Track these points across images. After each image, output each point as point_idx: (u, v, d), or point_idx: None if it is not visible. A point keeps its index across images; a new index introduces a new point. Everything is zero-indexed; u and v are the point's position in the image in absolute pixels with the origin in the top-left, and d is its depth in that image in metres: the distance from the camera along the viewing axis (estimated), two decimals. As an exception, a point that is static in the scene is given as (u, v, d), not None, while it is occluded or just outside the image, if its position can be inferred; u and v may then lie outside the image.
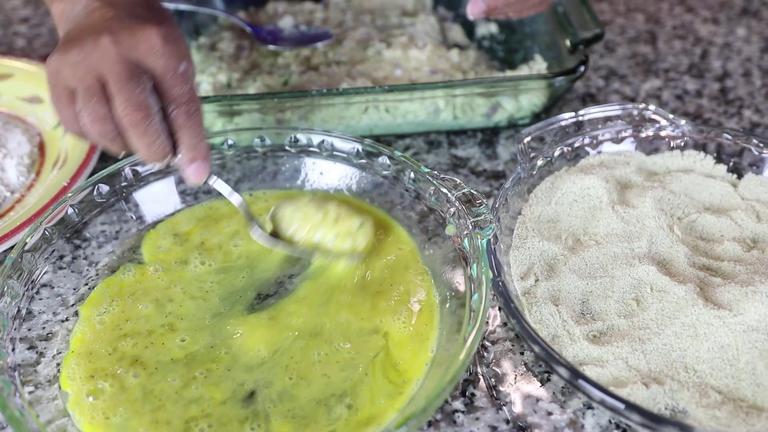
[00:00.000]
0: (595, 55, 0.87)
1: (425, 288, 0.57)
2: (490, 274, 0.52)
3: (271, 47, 0.79)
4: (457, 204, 0.57)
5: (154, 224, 0.63)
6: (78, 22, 0.56)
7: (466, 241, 0.55)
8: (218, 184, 0.58)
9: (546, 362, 0.48)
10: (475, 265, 0.53)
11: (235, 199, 0.59)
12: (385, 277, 0.58)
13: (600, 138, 0.66)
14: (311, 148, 0.65)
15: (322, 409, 0.49)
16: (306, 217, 0.59)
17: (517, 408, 0.51)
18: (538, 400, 0.51)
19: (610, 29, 0.92)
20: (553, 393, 0.52)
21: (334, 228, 0.58)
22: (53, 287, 0.58)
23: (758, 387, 0.49)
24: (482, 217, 0.55)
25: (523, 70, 0.77)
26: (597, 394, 0.46)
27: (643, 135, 0.67)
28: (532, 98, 0.72)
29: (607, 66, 0.85)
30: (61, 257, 0.60)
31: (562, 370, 0.47)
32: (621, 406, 0.45)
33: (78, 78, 0.52)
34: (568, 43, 0.73)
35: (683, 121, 0.66)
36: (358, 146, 0.63)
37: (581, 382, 0.47)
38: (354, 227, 0.58)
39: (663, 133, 0.66)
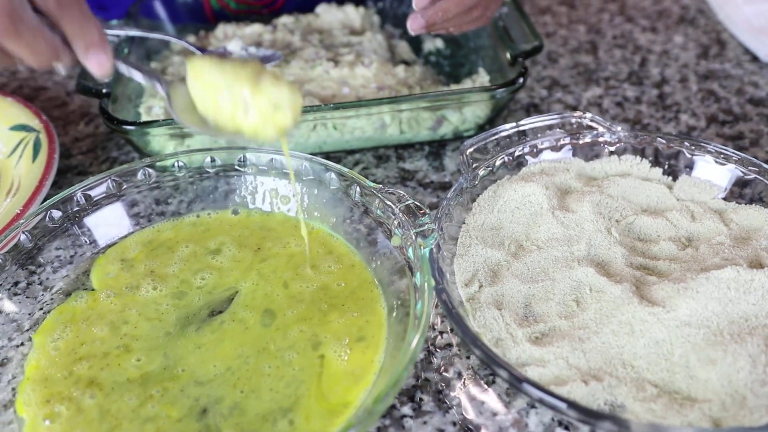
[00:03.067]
0: (538, 66, 0.90)
1: (373, 299, 0.59)
2: (433, 282, 0.54)
3: (221, 70, 0.80)
4: (401, 216, 0.59)
5: (107, 248, 0.64)
6: None
7: (410, 251, 0.57)
8: (123, 68, 0.57)
9: (487, 365, 0.50)
10: (418, 274, 0.55)
11: (149, 75, 0.57)
12: (333, 290, 0.60)
13: (540, 146, 0.68)
14: (261, 167, 0.67)
15: (268, 423, 0.50)
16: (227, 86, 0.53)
17: (463, 410, 0.53)
18: (483, 402, 0.53)
19: (553, 41, 0.95)
20: (499, 394, 0.54)
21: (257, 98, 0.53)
22: (8, 313, 0.58)
23: (692, 379, 0.51)
24: (425, 227, 0.57)
25: (467, 84, 0.79)
26: (536, 393, 0.48)
27: (582, 142, 0.69)
28: (476, 110, 0.75)
29: (550, 76, 0.88)
30: (16, 283, 0.60)
31: (502, 372, 0.49)
32: (559, 404, 0.47)
33: None
34: (508, 55, 0.76)
35: (619, 128, 0.69)
36: (306, 163, 0.65)
37: (520, 382, 0.48)
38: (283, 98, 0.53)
39: (601, 140, 0.69)
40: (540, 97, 0.85)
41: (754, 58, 0.90)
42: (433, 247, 0.56)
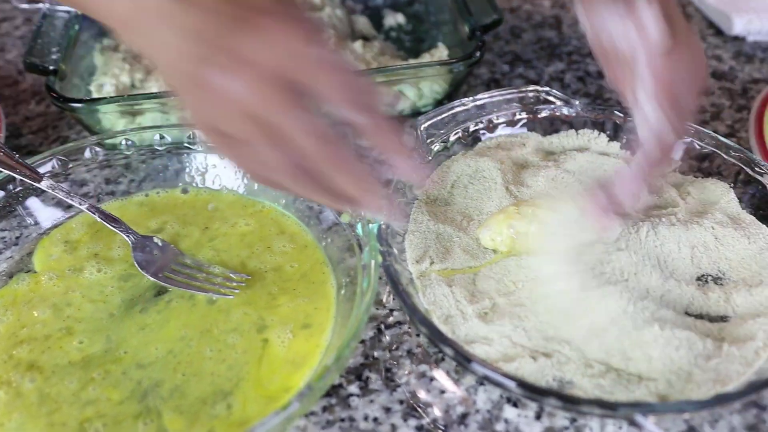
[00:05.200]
0: (500, 41, 0.88)
1: (324, 281, 0.58)
2: (380, 259, 0.53)
3: (175, 46, 0.79)
4: (350, 192, 0.58)
5: (52, 229, 0.63)
6: (178, 27, 0.41)
7: (359, 227, 0.56)
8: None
9: (432, 342, 0.49)
10: (366, 251, 0.54)
11: None
12: (286, 272, 0.58)
13: (495, 121, 0.67)
14: (210, 144, 0.65)
15: (207, 406, 0.49)
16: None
17: (411, 388, 0.52)
18: (432, 379, 0.52)
19: (517, 15, 0.93)
20: (447, 372, 0.53)
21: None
22: (-53, 297, 0.57)
23: (630, 361, 0.50)
24: (374, 203, 0.56)
25: (425, 59, 0.78)
26: (481, 371, 0.47)
27: (539, 116, 0.68)
28: (433, 85, 0.73)
29: (513, 51, 0.87)
30: (-43, 266, 0.59)
31: (448, 350, 0.48)
32: (507, 381, 0.46)
33: (226, 122, 0.42)
34: (467, 29, 0.75)
35: (577, 101, 0.68)
36: (256, 140, 0.64)
37: (468, 361, 0.47)
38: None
39: (558, 114, 0.68)
40: (501, 72, 0.84)
41: (718, 32, 0.89)
42: (381, 223, 0.55)
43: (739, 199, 0.62)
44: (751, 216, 0.60)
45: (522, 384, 0.46)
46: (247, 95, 0.41)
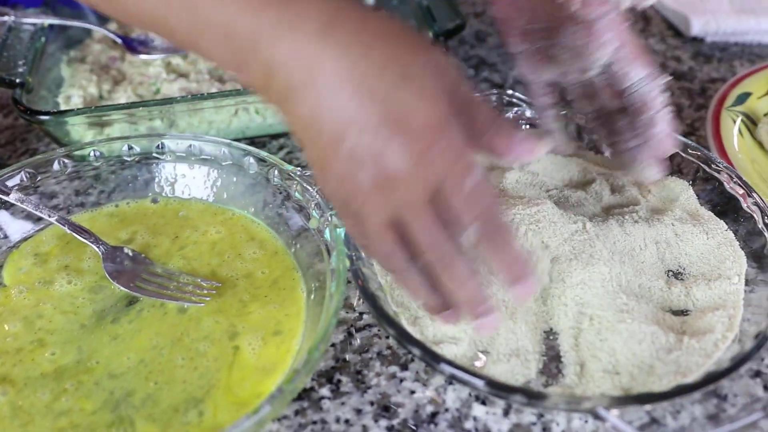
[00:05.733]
0: (466, 46, 0.90)
1: (294, 287, 0.58)
2: (347, 263, 0.54)
3: (142, 57, 0.79)
4: (318, 197, 0.58)
5: (21, 242, 0.63)
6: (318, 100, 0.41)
7: (326, 232, 0.57)
8: None
9: (400, 343, 0.50)
10: (334, 255, 0.54)
11: None
12: (257, 279, 0.59)
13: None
14: (180, 154, 0.66)
15: (179, 414, 0.50)
16: None
17: (382, 389, 0.53)
18: (402, 380, 0.53)
19: (482, 20, 0.95)
20: (417, 372, 0.54)
21: None
22: None
23: (594, 358, 0.51)
24: (341, 209, 0.57)
25: (392, 64, 0.79)
26: (447, 369, 0.48)
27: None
28: (400, 91, 0.74)
29: (478, 55, 0.88)
30: (-75, 282, 0.59)
31: (414, 350, 0.49)
32: (468, 378, 0.47)
33: (365, 208, 0.44)
34: (430, 35, 0.76)
35: (540, 105, 0.69)
36: (225, 149, 0.64)
37: (431, 359, 0.48)
38: None
39: (522, 116, 0.69)
40: (467, 76, 0.85)
41: (677, 33, 0.91)
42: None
43: (697, 195, 0.63)
44: (709, 212, 0.62)
45: (489, 382, 0.47)
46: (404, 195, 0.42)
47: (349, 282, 0.54)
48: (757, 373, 0.53)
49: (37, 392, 0.52)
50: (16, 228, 0.63)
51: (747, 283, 0.57)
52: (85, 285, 0.59)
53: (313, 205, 0.59)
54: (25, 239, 0.63)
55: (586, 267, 0.55)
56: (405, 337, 0.50)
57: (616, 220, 0.59)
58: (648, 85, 0.58)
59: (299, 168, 0.61)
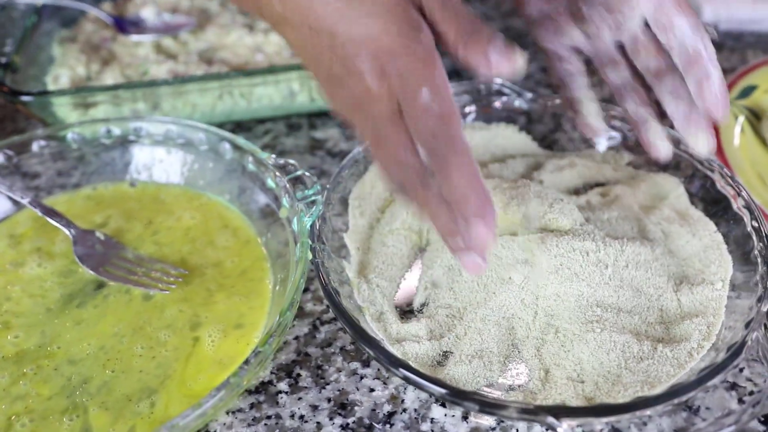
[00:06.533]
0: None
1: (262, 279, 0.57)
2: (310, 255, 0.52)
3: (133, 37, 0.78)
4: (288, 186, 0.57)
5: (-1, 223, 0.63)
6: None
7: (294, 222, 0.55)
8: None
9: (356, 343, 0.49)
10: (298, 247, 0.53)
11: None
12: (222, 266, 0.58)
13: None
14: (157, 138, 0.65)
15: (131, 403, 0.49)
16: None
17: (341, 386, 0.51)
18: (362, 377, 0.52)
19: (486, 4, 0.92)
20: (378, 370, 0.52)
21: None
22: None
23: (558, 367, 0.49)
24: (310, 198, 0.56)
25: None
26: (401, 373, 0.46)
27: (492, 108, 0.67)
28: (389, 77, 0.72)
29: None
30: None
31: (369, 351, 0.48)
32: (423, 383, 0.46)
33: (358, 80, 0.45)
34: None
35: (530, 94, 0.67)
36: (202, 134, 0.63)
37: (396, 367, 0.47)
38: None
39: (509, 106, 0.67)
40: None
41: (690, 20, 0.87)
42: (317, 219, 0.55)
43: (689, 194, 0.60)
44: (700, 212, 0.59)
45: (443, 386, 0.45)
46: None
47: (315, 275, 0.52)
48: (733, 386, 0.50)
49: (-3, 375, 0.51)
50: (-5, 208, 0.63)
51: (733, 288, 0.54)
52: (55, 269, 0.59)
53: (284, 194, 0.58)
54: (1, 220, 0.63)
55: (563, 282, 0.52)
56: (362, 338, 0.48)
57: (606, 226, 0.57)
58: (696, 36, 0.50)
59: (273, 156, 0.60)
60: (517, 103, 0.67)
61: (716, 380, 0.45)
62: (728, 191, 0.57)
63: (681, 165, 0.61)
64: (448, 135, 0.42)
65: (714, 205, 0.59)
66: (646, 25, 0.53)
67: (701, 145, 0.53)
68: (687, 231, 0.57)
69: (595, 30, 0.55)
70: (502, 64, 0.43)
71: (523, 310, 0.52)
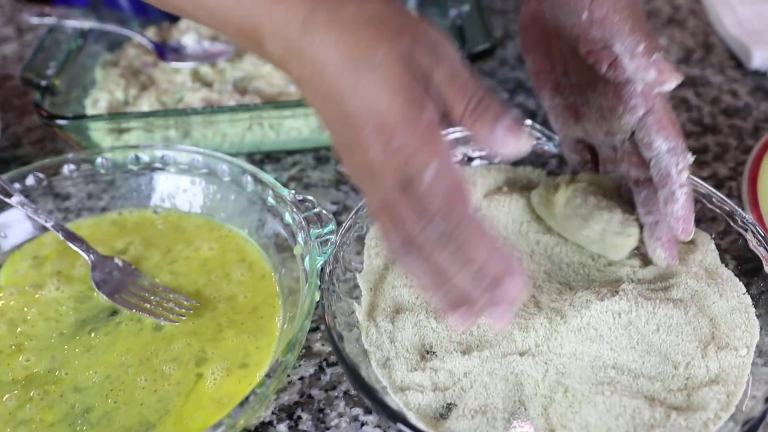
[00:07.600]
0: (505, 68, 0.86)
1: (272, 316, 0.57)
2: (317, 297, 0.52)
3: (173, 64, 0.80)
4: (303, 223, 0.57)
5: (24, 243, 0.64)
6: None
7: (306, 260, 0.55)
8: None
9: (356, 390, 0.48)
10: (306, 287, 0.53)
11: None
12: (235, 301, 0.58)
13: (471, 155, 0.65)
14: (182, 166, 0.65)
15: None
16: None
17: (341, 432, 0.50)
18: (363, 425, 0.51)
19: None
20: (379, 419, 0.51)
21: None
22: None
23: (565, 428, 0.48)
24: (324, 237, 0.55)
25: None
26: (399, 427, 0.45)
27: (520, 152, 0.65)
28: (419, 114, 0.71)
29: (516, 78, 0.84)
30: (-73, 276, 0.60)
31: (368, 402, 0.47)
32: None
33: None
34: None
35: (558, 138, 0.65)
36: (224, 165, 0.63)
37: (385, 416, 0.46)
38: None
39: (539, 151, 0.65)
40: (502, 99, 0.81)
41: (739, 65, 0.84)
42: (330, 258, 0.54)
43: (721, 251, 0.58)
44: (729, 271, 0.56)
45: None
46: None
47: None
48: (751, 461, 0.47)
49: (4, 398, 0.52)
50: (23, 229, 0.64)
51: (759, 354, 0.51)
52: (73, 293, 0.59)
53: (299, 231, 0.57)
54: (28, 241, 0.64)
55: (584, 342, 0.50)
56: (361, 387, 0.47)
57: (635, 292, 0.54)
58: (671, 159, 0.53)
59: (293, 192, 0.59)
60: (546, 147, 0.65)
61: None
62: (761, 252, 0.54)
63: (715, 218, 0.59)
64: (455, 215, 0.42)
65: (745, 263, 0.56)
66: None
67: (656, 259, 0.56)
68: (714, 291, 0.54)
69: (591, 131, 0.59)
70: (508, 144, 0.42)
71: (534, 366, 0.50)
